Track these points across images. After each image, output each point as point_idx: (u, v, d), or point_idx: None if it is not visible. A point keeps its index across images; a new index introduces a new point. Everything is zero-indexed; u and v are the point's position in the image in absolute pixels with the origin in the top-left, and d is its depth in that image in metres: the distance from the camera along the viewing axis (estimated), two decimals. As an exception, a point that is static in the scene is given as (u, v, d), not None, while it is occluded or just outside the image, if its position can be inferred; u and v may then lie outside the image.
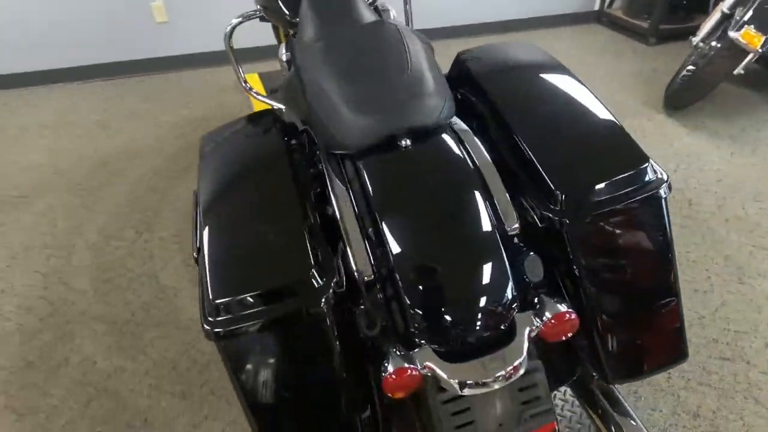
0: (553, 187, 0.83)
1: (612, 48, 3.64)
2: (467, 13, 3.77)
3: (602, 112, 0.93)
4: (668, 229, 0.85)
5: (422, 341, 0.76)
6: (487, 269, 0.77)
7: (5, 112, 2.99)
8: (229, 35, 1.75)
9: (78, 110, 3.00)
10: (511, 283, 0.77)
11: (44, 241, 2.09)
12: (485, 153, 0.93)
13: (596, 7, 4.05)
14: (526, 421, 0.82)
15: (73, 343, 1.68)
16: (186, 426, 1.43)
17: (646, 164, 0.84)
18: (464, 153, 0.90)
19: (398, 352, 0.76)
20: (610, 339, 0.87)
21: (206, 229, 0.83)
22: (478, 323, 0.75)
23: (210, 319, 0.73)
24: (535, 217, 0.87)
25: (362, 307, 0.83)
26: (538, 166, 0.86)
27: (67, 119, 2.91)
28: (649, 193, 0.83)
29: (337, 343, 0.77)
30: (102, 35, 3.20)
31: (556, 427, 0.86)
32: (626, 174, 0.83)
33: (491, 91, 1.00)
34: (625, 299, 0.86)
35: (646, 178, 0.84)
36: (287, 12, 1.59)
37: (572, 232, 0.82)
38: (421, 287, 0.76)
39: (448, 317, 0.75)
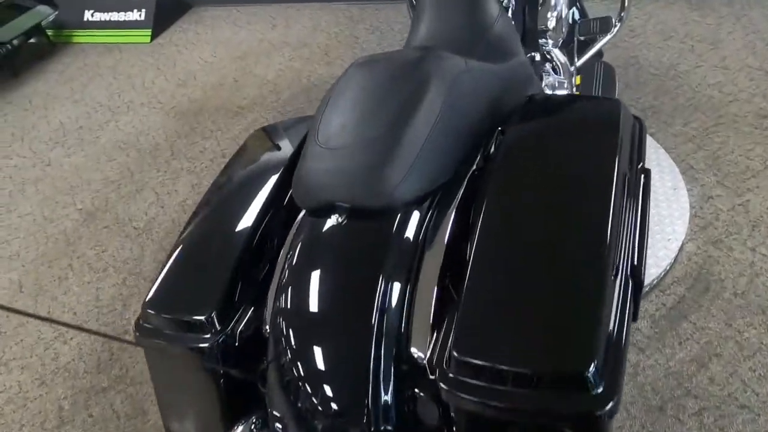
0: (450, 347, 0.65)
1: None
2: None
3: (594, 264, 0.66)
4: None
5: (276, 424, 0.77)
6: (344, 387, 0.73)
7: (267, 27, 3.50)
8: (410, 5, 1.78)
9: (315, 33, 3.31)
10: (366, 409, 0.70)
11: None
12: (434, 261, 0.77)
13: None
14: None
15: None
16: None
17: (590, 369, 0.57)
18: (395, 253, 0.76)
19: (253, 427, 0.81)
20: None
21: (182, 235, 0.93)
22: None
23: (140, 321, 0.85)
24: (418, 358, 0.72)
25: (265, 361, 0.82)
26: (459, 311, 0.68)
27: (304, 41, 3.26)
28: (578, 411, 0.59)
29: (221, 386, 0.82)
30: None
31: None
32: (550, 375, 0.59)
33: (493, 181, 0.81)
34: None
35: (581, 388, 0.57)
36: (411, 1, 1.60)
37: (454, 408, 0.67)
38: (282, 380, 0.76)
39: (294, 419, 0.75)
